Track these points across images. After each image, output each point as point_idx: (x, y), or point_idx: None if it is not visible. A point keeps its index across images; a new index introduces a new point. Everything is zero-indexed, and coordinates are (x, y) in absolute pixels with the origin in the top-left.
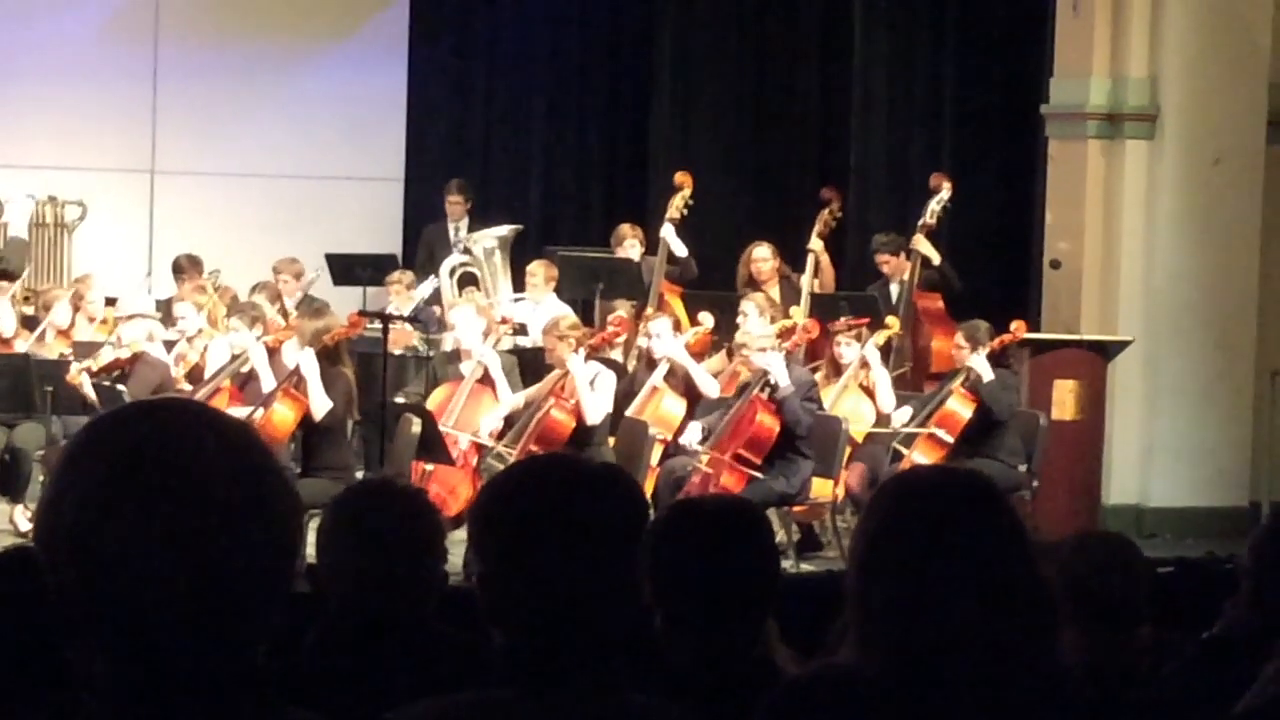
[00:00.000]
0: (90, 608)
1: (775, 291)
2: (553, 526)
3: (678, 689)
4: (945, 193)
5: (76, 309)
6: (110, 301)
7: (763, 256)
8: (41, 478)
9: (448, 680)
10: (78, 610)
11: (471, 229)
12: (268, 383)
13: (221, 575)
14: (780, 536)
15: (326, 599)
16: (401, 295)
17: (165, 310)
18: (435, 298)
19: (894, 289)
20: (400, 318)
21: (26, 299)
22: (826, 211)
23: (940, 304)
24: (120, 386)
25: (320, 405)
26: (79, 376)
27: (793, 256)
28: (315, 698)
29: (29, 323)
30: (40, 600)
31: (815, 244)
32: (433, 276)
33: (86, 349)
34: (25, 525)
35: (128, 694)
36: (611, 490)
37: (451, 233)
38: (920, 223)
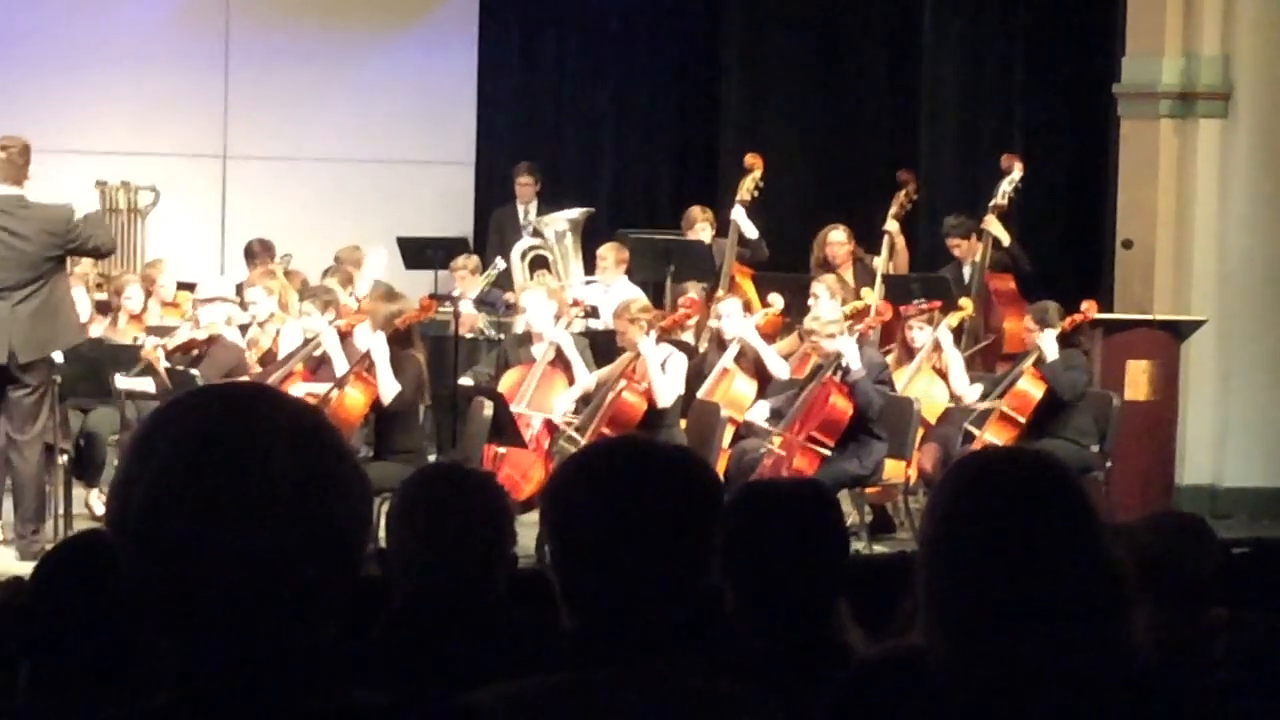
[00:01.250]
0: (161, 590)
1: (849, 274)
2: (624, 509)
3: (749, 671)
4: (1016, 173)
5: (149, 294)
6: (186, 286)
7: (838, 239)
8: (115, 462)
9: (518, 664)
10: (149, 593)
11: (541, 212)
12: (340, 366)
13: (290, 558)
14: (853, 518)
15: (396, 582)
16: (468, 279)
17: (237, 294)
18: (505, 280)
19: (966, 270)
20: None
21: (99, 285)
22: (903, 193)
23: (1012, 285)
24: (193, 370)
25: (389, 389)
26: (155, 352)
27: (865, 238)
28: (385, 681)
29: (102, 308)
30: (113, 583)
31: (891, 225)
32: (499, 259)
33: (159, 333)
34: (101, 509)
35: (198, 675)
36: (683, 472)
37: (521, 215)
38: (991, 204)
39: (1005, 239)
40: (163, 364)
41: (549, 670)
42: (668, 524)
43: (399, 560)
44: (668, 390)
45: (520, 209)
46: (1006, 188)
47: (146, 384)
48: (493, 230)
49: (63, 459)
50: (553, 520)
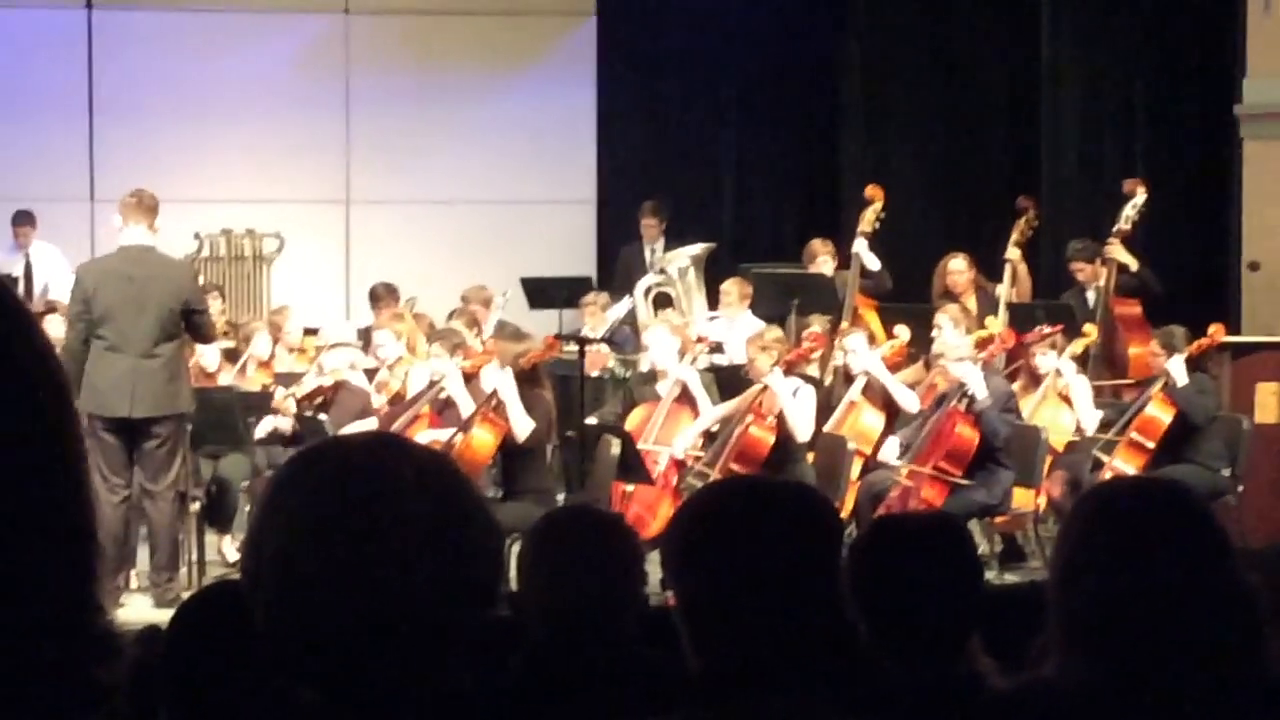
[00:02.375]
0: (296, 639)
1: (971, 302)
2: (745, 550)
3: (883, 706)
4: (1140, 197)
5: (276, 341)
6: (310, 331)
7: (958, 268)
8: (247, 508)
9: (649, 702)
10: (283, 642)
11: (666, 249)
12: (466, 408)
13: (424, 604)
14: (983, 547)
15: (528, 624)
16: (596, 317)
17: (363, 338)
18: (631, 318)
19: (1090, 296)
20: (596, 340)
21: (226, 333)
22: (1023, 220)
23: (1138, 310)
24: (322, 416)
25: (523, 427)
26: (285, 402)
27: (987, 266)
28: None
29: (230, 356)
30: (249, 632)
31: (1013, 253)
32: (627, 297)
33: (287, 380)
34: (233, 556)
35: None
36: (803, 510)
37: (647, 254)
38: (1115, 229)
39: (1133, 264)
40: (292, 411)
41: (680, 710)
42: (789, 562)
43: (530, 602)
44: (802, 422)
45: (646, 248)
46: (1130, 212)
47: (284, 422)
48: (619, 269)
49: (195, 506)
50: (675, 564)
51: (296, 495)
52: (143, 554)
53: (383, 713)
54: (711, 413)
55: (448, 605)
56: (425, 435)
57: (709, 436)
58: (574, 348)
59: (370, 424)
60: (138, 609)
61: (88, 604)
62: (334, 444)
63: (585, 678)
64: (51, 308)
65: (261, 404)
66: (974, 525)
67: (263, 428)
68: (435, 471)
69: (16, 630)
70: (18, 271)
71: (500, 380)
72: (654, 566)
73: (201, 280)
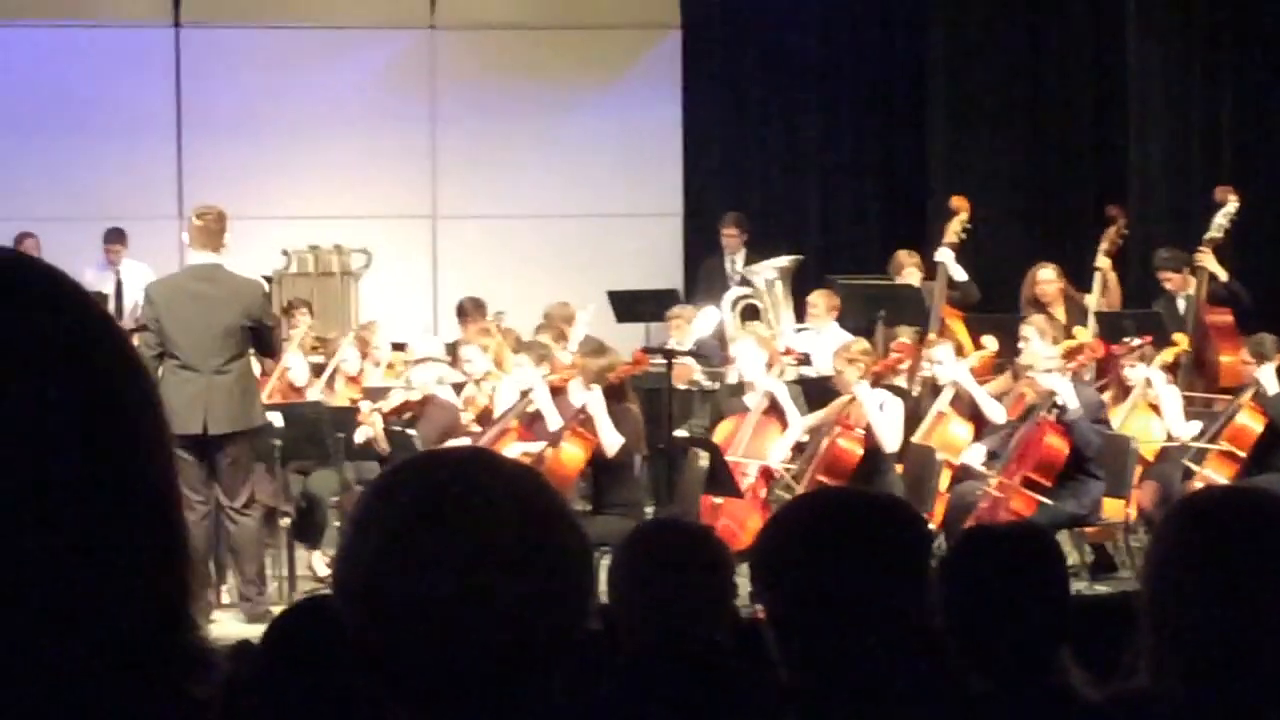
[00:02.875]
0: (386, 656)
1: (1060, 312)
2: (833, 563)
3: (972, 718)
4: (1232, 205)
5: (364, 356)
6: (399, 346)
7: (1047, 278)
8: (337, 523)
9: (741, 715)
10: (374, 659)
11: (749, 261)
12: (553, 422)
13: (514, 621)
14: (1073, 558)
15: (619, 638)
16: (682, 330)
17: (451, 353)
18: (718, 331)
19: (1180, 304)
20: (683, 352)
21: (315, 348)
22: (1113, 229)
23: (1229, 318)
24: (410, 430)
25: (612, 441)
26: (371, 416)
27: (1075, 275)
28: None
29: (318, 370)
30: (338, 649)
31: (1102, 262)
32: (712, 309)
33: (375, 394)
34: (323, 571)
35: None
36: (891, 522)
37: (728, 265)
38: (1207, 237)
39: (1222, 275)
40: (380, 427)
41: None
42: (877, 575)
43: (622, 616)
44: (890, 433)
45: (727, 260)
46: (1221, 220)
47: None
48: (701, 281)
49: (285, 522)
50: (764, 576)
51: (386, 511)
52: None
53: None
54: (799, 424)
55: (539, 620)
56: (515, 447)
57: (797, 448)
58: (661, 361)
59: (459, 439)
60: (228, 625)
61: (182, 620)
62: (424, 459)
63: (677, 691)
64: (144, 325)
65: (349, 419)
66: (1064, 536)
67: (360, 435)
68: (525, 486)
69: (113, 647)
70: (109, 289)
71: (588, 395)
72: (744, 579)
73: (289, 296)
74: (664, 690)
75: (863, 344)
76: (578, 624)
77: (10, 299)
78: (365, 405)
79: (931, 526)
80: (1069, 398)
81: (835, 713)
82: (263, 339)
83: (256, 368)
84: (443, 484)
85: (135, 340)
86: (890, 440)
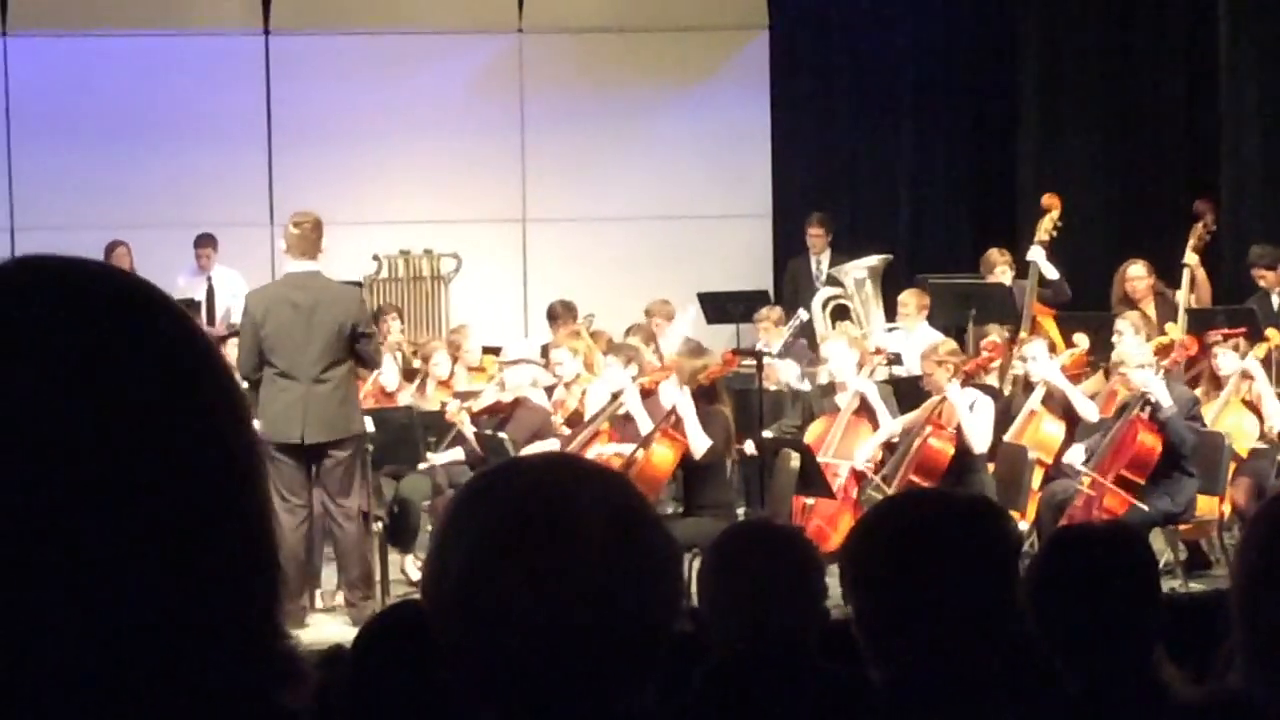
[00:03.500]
0: (475, 662)
1: (1151, 309)
2: (922, 564)
3: (1066, 717)
4: None
5: (455, 360)
6: (491, 350)
7: (1137, 274)
8: (429, 527)
9: (831, 717)
10: (462, 664)
11: (835, 261)
12: (644, 424)
13: (603, 627)
14: (1166, 556)
15: (710, 640)
16: (771, 331)
17: (541, 356)
18: (805, 331)
19: (1274, 300)
20: (773, 354)
21: (415, 352)
22: (1201, 225)
23: None
24: (501, 434)
25: (699, 444)
26: (459, 415)
27: (1166, 272)
28: None
29: (409, 375)
30: (429, 653)
31: (1190, 259)
32: (801, 310)
33: (467, 399)
34: (416, 575)
35: None
36: (980, 523)
37: (813, 265)
38: None
39: None
40: (468, 428)
41: None
42: (965, 576)
43: (712, 617)
44: (980, 434)
45: (813, 260)
46: None
47: (457, 454)
48: (787, 282)
49: (377, 526)
50: (853, 577)
51: (475, 516)
52: (326, 573)
53: None
54: (891, 425)
55: (627, 625)
56: (606, 449)
57: (889, 448)
58: (751, 362)
59: (549, 442)
60: (323, 629)
61: (272, 629)
62: (512, 465)
63: (767, 693)
64: (235, 331)
65: (441, 423)
66: (1158, 534)
67: (443, 457)
68: (611, 490)
69: (202, 657)
70: (200, 295)
71: (679, 397)
72: (835, 580)
73: (380, 301)
74: (753, 692)
75: (950, 344)
76: (667, 628)
77: (100, 311)
78: (452, 404)
79: (1024, 525)
80: (1162, 395)
81: (924, 714)
82: (360, 347)
83: (396, 370)
84: (530, 490)
85: (227, 347)
86: (980, 440)
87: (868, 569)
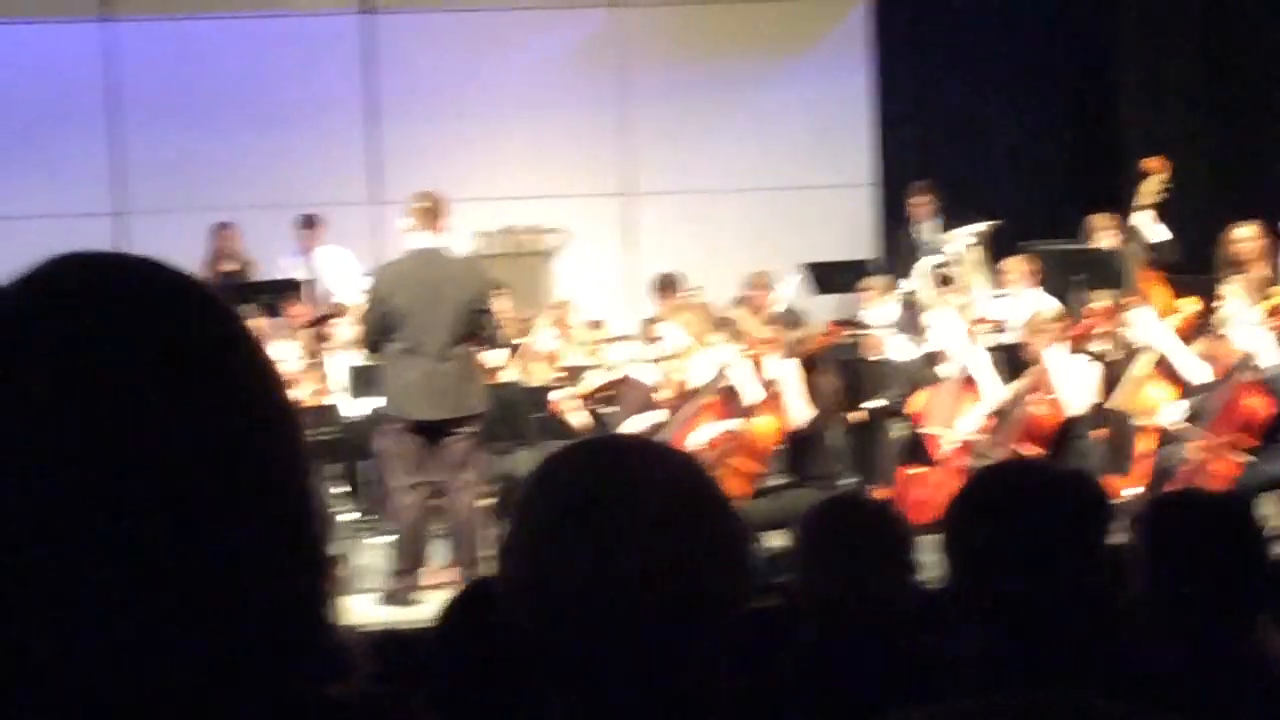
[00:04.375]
0: (544, 639)
1: (1260, 271)
2: (1016, 533)
3: (1166, 687)
4: None
5: (559, 335)
6: (595, 324)
7: (1244, 236)
8: None
9: (924, 689)
10: (533, 641)
11: (944, 228)
12: (749, 396)
13: (669, 606)
14: (1276, 520)
15: (801, 614)
16: (876, 301)
17: (646, 330)
18: (912, 300)
19: None
20: (878, 323)
21: (523, 329)
22: None
23: None
24: (607, 410)
25: (802, 415)
26: (561, 405)
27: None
28: (793, 712)
29: (514, 350)
30: (504, 632)
31: None
32: (907, 279)
33: (572, 373)
34: None
35: None
36: (1073, 495)
37: (919, 234)
38: None
39: None
40: (570, 415)
41: (955, 695)
42: (1058, 546)
43: (803, 590)
44: (1077, 400)
45: (917, 228)
46: None
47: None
48: (893, 251)
49: (486, 503)
50: (951, 546)
51: (544, 496)
52: (437, 551)
53: (637, 713)
54: (996, 393)
55: (694, 604)
56: (712, 427)
57: (995, 416)
58: (856, 332)
59: (655, 416)
60: (433, 606)
61: (316, 619)
62: (581, 446)
63: (857, 665)
64: (338, 311)
65: (546, 399)
66: (1270, 498)
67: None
68: (679, 472)
69: (247, 650)
70: (305, 275)
71: (782, 368)
72: (937, 551)
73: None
74: (843, 665)
75: (1051, 312)
76: (734, 607)
77: (143, 302)
78: (555, 395)
79: (1132, 491)
80: (1269, 357)
81: (1019, 684)
82: (481, 324)
83: None
84: (597, 471)
85: (328, 326)
86: (1076, 406)
87: (967, 537)
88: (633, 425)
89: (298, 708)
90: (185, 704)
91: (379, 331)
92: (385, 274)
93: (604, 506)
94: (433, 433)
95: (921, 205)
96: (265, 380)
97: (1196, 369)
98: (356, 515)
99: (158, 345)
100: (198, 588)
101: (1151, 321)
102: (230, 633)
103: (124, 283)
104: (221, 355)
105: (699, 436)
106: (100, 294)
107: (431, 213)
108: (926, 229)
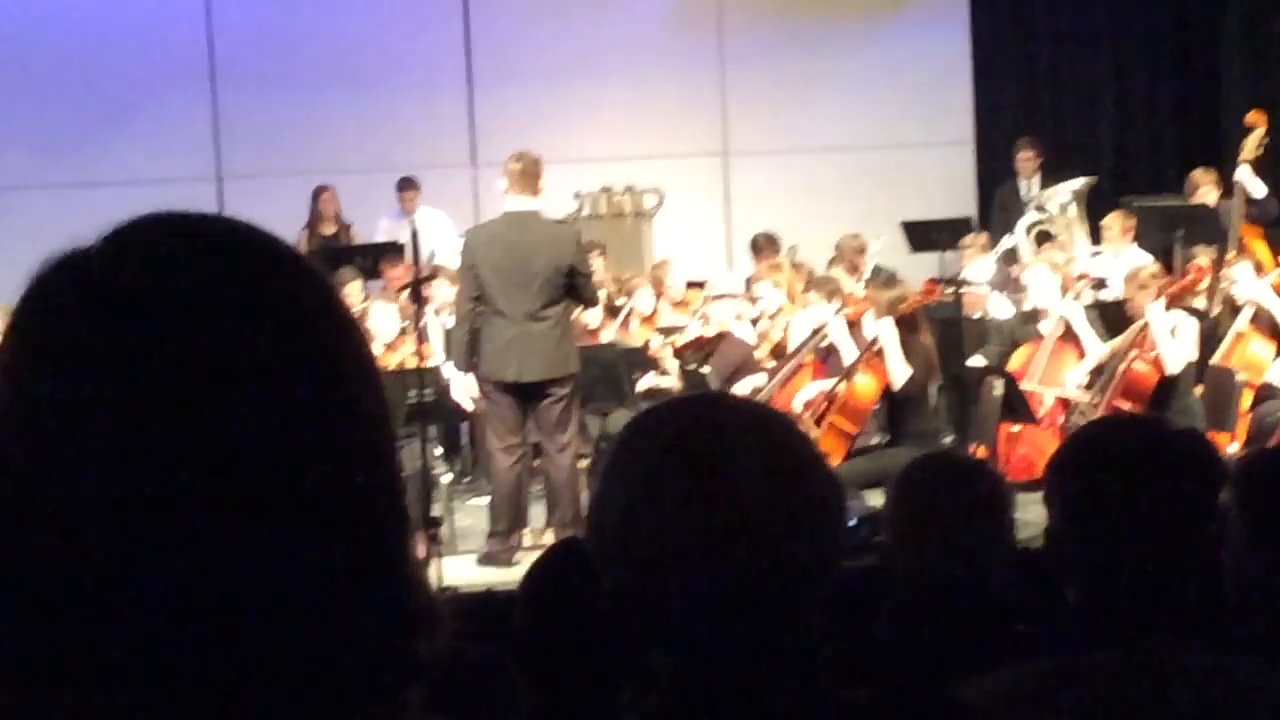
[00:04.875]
0: (635, 598)
1: None
2: (1127, 489)
3: (1266, 646)
4: None
5: (659, 295)
6: (696, 284)
7: None
8: None
9: (1019, 648)
10: (626, 599)
11: (1044, 184)
12: (848, 355)
13: (759, 564)
14: None
15: (896, 573)
16: (976, 258)
17: (745, 289)
18: (1012, 257)
19: None
20: (977, 281)
21: (617, 290)
22: None
23: None
24: (705, 369)
25: (899, 374)
26: (662, 350)
27: None
28: (888, 670)
29: (613, 311)
30: (592, 589)
31: None
32: (1007, 236)
33: (670, 334)
34: None
35: (683, 688)
36: (1188, 453)
37: (1023, 190)
38: None
39: None
40: (671, 363)
41: (1051, 653)
42: (1171, 503)
43: (899, 550)
44: (1177, 357)
45: (1023, 184)
46: None
47: (656, 382)
48: (996, 208)
49: (584, 463)
50: (1052, 497)
51: (636, 455)
52: (537, 512)
53: (727, 675)
54: (1096, 350)
55: (785, 562)
56: (811, 387)
57: (1095, 373)
58: (954, 290)
59: (755, 380)
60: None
61: (405, 581)
62: (672, 404)
63: (953, 625)
64: (436, 272)
65: (645, 359)
66: None
67: (645, 382)
68: (771, 429)
69: (338, 610)
70: (404, 237)
71: (880, 327)
72: (1037, 508)
73: (583, 239)
74: (939, 625)
75: (1151, 268)
76: (826, 565)
77: (236, 266)
78: (655, 340)
79: (1234, 447)
80: None
81: (1118, 644)
82: (577, 286)
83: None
84: (688, 429)
85: (430, 288)
86: (1176, 362)
87: (1070, 493)
88: (733, 388)
89: (384, 665)
90: (273, 661)
91: (472, 293)
92: (476, 237)
93: (694, 464)
94: (527, 394)
95: (1029, 160)
96: (354, 347)
97: None
98: (454, 476)
99: (243, 307)
100: (285, 547)
101: (1252, 277)
102: (317, 590)
103: (205, 244)
104: (313, 320)
105: (799, 398)
106: (183, 255)
107: (526, 174)
108: (1033, 184)
